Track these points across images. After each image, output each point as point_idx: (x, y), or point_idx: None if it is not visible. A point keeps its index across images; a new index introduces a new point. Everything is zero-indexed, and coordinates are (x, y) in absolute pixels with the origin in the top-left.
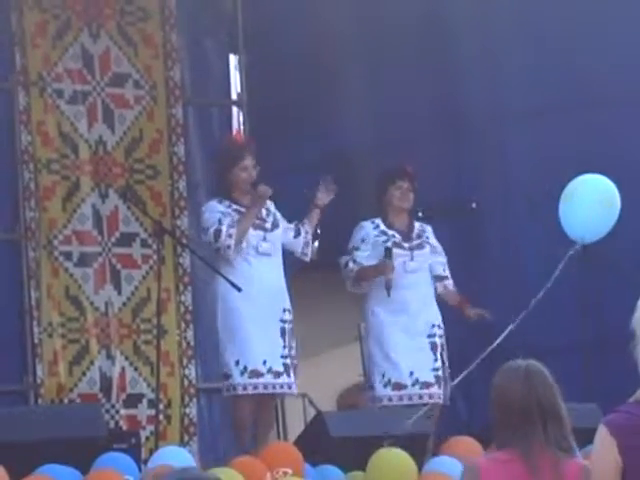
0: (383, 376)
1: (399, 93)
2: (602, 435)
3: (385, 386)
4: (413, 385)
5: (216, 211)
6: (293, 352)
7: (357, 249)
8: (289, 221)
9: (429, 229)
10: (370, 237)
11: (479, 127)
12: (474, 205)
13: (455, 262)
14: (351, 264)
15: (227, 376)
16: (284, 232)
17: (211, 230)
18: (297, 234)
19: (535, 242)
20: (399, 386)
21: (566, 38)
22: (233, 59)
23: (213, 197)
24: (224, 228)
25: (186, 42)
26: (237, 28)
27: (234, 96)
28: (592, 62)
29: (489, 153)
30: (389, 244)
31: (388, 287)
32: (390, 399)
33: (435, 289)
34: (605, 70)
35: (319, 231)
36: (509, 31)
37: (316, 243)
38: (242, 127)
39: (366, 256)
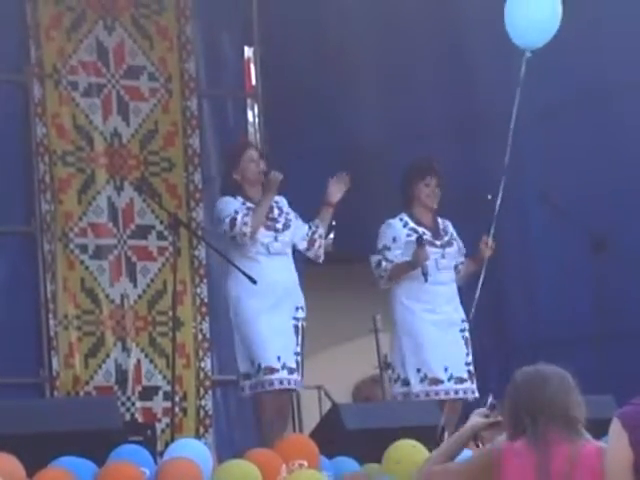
0: (418, 371)
1: (415, 88)
2: (615, 428)
3: (422, 381)
4: (449, 380)
5: (230, 202)
6: (303, 350)
7: (388, 248)
8: (301, 217)
9: (449, 224)
10: (402, 236)
11: (495, 124)
12: (490, 197)
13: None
14: (384, 263)
15: (246, 376)
16: (295, 230)
17: (227, 219)
18: (311, 245)
19: (549, 238)
20: (435, 381)
21: (582, 37)
22: (248, 51)
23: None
24: (239, 217)
25: (201, 34)
26: (252, 20)
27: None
28: (605, 60)
29: (504, 151)
30: (422, 237)
31: (425, 273)
32: (427, 394)
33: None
34: (619, 68)
35: (334, 223)
36: None
37: (331, 235)
38: (257, 119)
39: (398, 254)
